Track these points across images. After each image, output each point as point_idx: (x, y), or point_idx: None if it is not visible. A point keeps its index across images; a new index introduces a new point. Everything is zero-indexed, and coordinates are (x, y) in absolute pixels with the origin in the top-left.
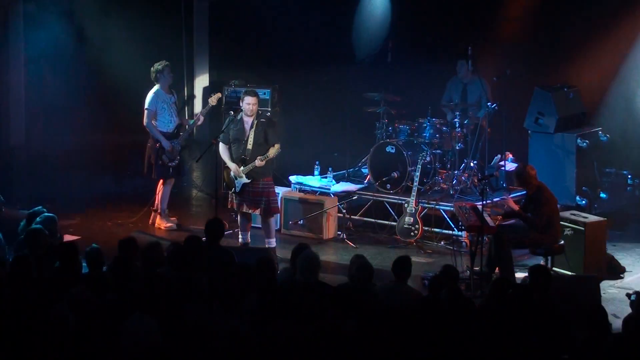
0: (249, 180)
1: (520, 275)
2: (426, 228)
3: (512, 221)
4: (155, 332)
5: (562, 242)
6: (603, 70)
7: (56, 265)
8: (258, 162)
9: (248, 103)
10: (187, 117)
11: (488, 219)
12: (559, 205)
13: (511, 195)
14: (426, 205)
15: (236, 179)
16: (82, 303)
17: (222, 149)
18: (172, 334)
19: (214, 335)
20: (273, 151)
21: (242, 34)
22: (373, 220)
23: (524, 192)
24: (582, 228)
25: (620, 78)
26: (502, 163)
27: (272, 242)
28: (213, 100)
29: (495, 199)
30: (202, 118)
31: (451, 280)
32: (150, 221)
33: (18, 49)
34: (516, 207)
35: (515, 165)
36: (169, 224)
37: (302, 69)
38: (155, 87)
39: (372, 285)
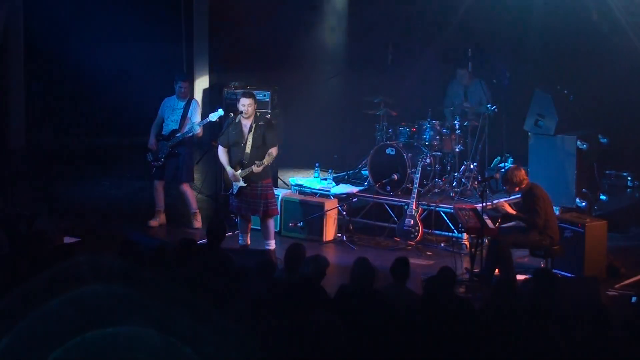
0: (246, 184)
1: (520, 277)
2: (426, 230)
3: (511, 223)
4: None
5: (562, 243)
6: (603, 71)
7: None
8: (255, 169)
9: (243, 104)
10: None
11: (488, 221)
12: (559, 207)
13: (510, 198)
14: (426, 207)
15: (233, 180)
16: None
17: (221, 152)
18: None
19: (212, 336)
20: (268, 159)
21: (242, 36)
22: (373, 222)
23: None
24: (582, 230)
25: (620, 79)
26: (502, 165)
27: (272, 244)
28: (213, 116)
29: (491, 202)
30: (196, 129)
31: (448, 284)
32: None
33: (18, 50)
34: (512, 211)
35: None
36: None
37: (301, 70)
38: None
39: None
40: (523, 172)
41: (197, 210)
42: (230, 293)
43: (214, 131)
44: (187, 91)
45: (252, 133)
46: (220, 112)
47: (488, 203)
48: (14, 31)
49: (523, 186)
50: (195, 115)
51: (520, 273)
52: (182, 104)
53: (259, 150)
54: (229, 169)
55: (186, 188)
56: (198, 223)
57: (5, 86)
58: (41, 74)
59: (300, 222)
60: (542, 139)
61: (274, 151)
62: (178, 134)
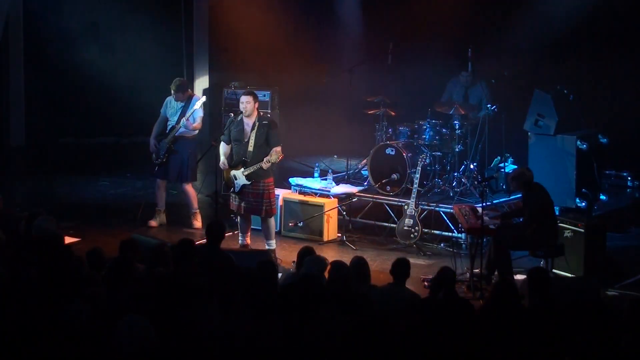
0: (249, 182)
1: (519, 277)
2: (426, 230)
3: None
4: (148, 333)
5: (562, 243)
6: (603, 72)
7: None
8: (265, 164)
9: (242, 102)
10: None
11: (488, 221)
12: (558, 207)
13: (510, 198)
14: (426, 207)
15: (235, 179)
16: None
17: (222, 145)
18: (169, 336)
19: (211, 337)
20: (275, 156)
21: (242, 36)
22: (373, 222)
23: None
24: (582, 230)
25: (620, 80)
26: (501, 165)
27: (272, 244)
28: (197, 104)
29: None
30: (188, 125)
31: (448, 283)
32: (196, 225)
33: (18, 50)
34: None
35: (515, 167)
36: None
37: (302, 70)
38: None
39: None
40: (531, 174)
41: (197, 210)
42: (232, 293)
43: (213, 131)
44: (182, 97)
45: (254, 131)
46: (203, 98)
47: (488, 203)
48: (14, 31)
49: (528, 187)
50: (196, 111)
51: (520, 273)
52: (181, 105)
53: (261, 148)
54: (222, 159)
55: (189, 188)
56: (198, 223)
57: (5, 86)
58: (41, 74)
59: (300, 222)
60: (542, 139)
61: (278, 149)
62: (174, 131)
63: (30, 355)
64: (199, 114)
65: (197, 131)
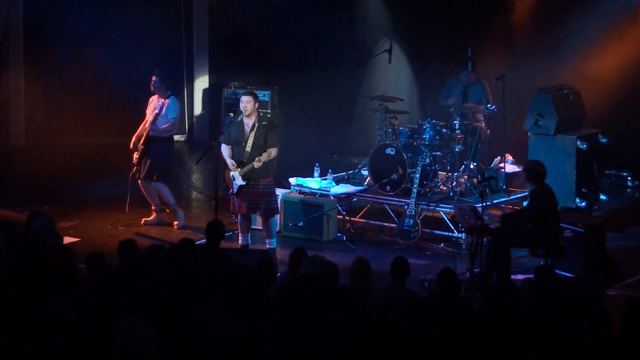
0: (245, 182)
1: (519, 277)
2: (426, 230)
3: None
4: (148, 334)
5: (562, 243)
6: (603, 72)
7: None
8: (256, 164)
9: (242, 101)
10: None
11: (488, 220)
12: (558, 207)
13: (510, 198)
14: (426, 207)
15: (234, 179)
16: (82, 304)
17: (224, 148)
18: (169, 336)
19: (212, 336)
20: (265, 156)
21: (242, 36)
22: (373, 222)
23: (523, 194)
24: (582, 230)
25: (620, 80)
26: (501, 165)
27: (273, 244)
28: (163, 108)
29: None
30: (152, 125)
31: (448, 283)
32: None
33: (18, 50)
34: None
35: (515, 167)
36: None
37: (302, 70)
38: None
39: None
40: (544, 170)
41: (177, 206)
42: (231, 293)
43: (212, 131)
44: (159, 86)
45: (254, 132)
46: (168, 101)
47: (488, 203)
48: (14, 30)
49: (538, 184)
50: (170, 112)
51: (520, 273)
52: (160, 102)
53: (260, 149)
54: (229, 160)
55: (159, 186)
56: (178, 220)
57: (5, 86)
58: (41, 74)
59: (300, 222)
60: (542, 139)
61: (273, 151)
62: (150, 132)
63: (27, 356)
64: (172, 114)
65: (171, 133)
